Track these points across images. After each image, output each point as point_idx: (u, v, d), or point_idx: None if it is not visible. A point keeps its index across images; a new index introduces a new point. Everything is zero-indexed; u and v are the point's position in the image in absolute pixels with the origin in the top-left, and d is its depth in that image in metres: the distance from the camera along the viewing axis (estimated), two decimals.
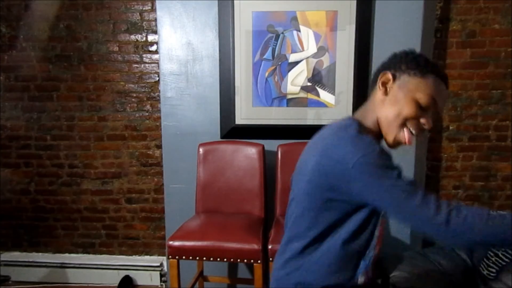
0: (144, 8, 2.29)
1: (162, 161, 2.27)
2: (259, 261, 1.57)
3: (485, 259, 1.75)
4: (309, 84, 2.02)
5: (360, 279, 0.90)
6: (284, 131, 2.05)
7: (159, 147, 2.37)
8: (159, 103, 2.23)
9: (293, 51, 2.00)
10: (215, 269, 2.11)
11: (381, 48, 1.96)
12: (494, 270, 1.72)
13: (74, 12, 2.30)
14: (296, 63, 2.01)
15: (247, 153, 1.95)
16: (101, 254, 2.54)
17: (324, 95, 2.02)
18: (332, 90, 2.01)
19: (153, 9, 2.27)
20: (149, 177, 2.44)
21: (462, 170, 2.30)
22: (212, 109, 2.07)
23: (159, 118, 2.27)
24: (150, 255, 2.53)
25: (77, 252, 2.54)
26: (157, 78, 2.33)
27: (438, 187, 2.33)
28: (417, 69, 0.84)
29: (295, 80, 2.02)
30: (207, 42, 2.03)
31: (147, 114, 2.38)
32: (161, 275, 2.45)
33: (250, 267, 2.14)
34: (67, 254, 2.54)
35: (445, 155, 2.29)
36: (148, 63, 2.34)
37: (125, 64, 2.34)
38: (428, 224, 0.75)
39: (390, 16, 1.93)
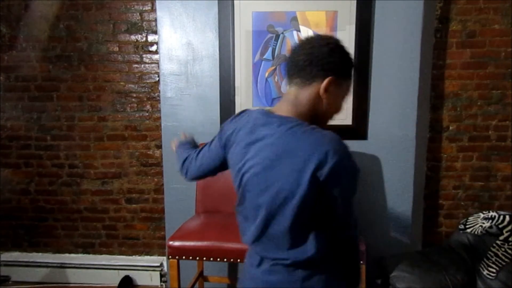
0: (144, 8, 2.29)
1: (162, 161, 2.27)
2: None
3: (485, 259, 1.76)
4: None
5: None
6: None
7: (159, 147, 2.37)
8: (159, 103, 2.23)
9: None
10: (215, 269, 2.11)
11: (381, 48, 1.96)
12: (494, 270, 1.72)
13: (74, 12, 2.30)
14: None
15: None
16: (101, 254, 2.54)
17: None
18: None
19: (153, 9, 2.27)
20: (149, 177, 2.44)
21: (462, 170, 2.30)
22: (212, 109, 2.07)
23: (159, 118, 2.27)
24: (150, 255, 2.53)
25: (77, 252, 2.54)
26: (157, 78, 2.33)
27: (438, 187, 2.33)
28: (350, 72, 0.96)
29: None
30: (207, 42, 2.03)
31: (147, 114, 2.38)
32: (161, 275, 2.45)
33: None
34: (67, 254, 2.54)
35: (445, 155, 2.29)
36: (148, 63, 2.34)
37: (125, 64, 2.34)
38: None
39: (390, 16, 1.93)
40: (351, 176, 0.87)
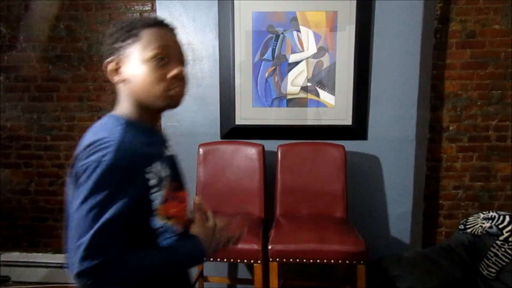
0: (144, 9, 2.29)
1: None
2: (259, 261, 1.57)
3: (485, 259, 1.75)
4: (309, 84, 2.02)
5: None
6: (284, 131, 2.04)
7: None
8: None
9: (293, 52, 2.00)
10: (215, 269, 2.11)
11: (381, 48, 1.96)
12: (494, 270, 1.72)
13: (74, 12, 2.30)
14: (296, 63, 2.01)
15: (247, 153, 1.95)
16: None
17: (324, 95, 2.02)
18: (332, 90, 2.01)
19: (153, 10, 2.27)
20: None
21: (462, 171, 2.29)
22: (212, 110, 2.07)
23: None
24: None
25: None
26: None
27: (438, 187, 2.32)
28: (129, 37, 0.79)
29: (295, 81, 2.02)
30: (207, 42, 2.03)
31: None
32: None
33: (250, 267, 2.14)
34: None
35: (445, 155, 2.29)
36: None
37: None
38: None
39: (390, 16, 1.93)
40: (88, 175, 0.69)
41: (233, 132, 2.06)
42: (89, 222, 0.68)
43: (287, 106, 2.04)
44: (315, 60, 1.99)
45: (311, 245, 1.56)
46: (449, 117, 2.26)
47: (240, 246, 1.57)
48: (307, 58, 1.99)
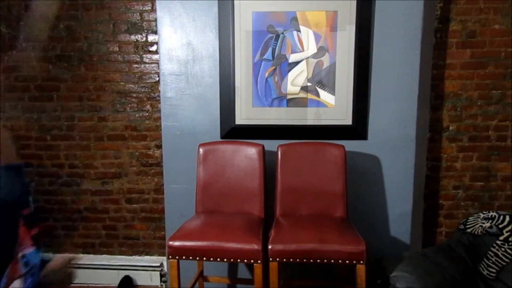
0: (144, 8, 2.29)
1: (162, 161, 2.27)
2: (259, 261, 1.57)
3: (485, 259, 1.76)
4: (309, 84, 2.02)
5: None
6: (284, 131, 2.05)
7: (159, 147, 2.37)
8: (159, 103, 2.23)
9: (293, 51, 2.00)
10: (215, 269, 2.11)
11: (381, 48, 1.96)
12: (494, 270, 1.72)
13: (74, 12, 2.30)
14: (296, 63, 2.01)
15: (247, 153, 1.95)
16: (101, 254, 2.54)
17: (324, 95, 2.02)
18: (332, 90, 2.01)
19: (153, 9, 2.27)
20: (149, 177, 2.44)
21: (462, 170, 2.30)
22: (212, 109, 2.07)
23: (159, 118, 2.27)
24: (150, 255, 2.53)
25: (77, 252, 2.54)
26: (157, 78, 2.33)
27: (438, 187, 2.33)
28: None
29: (295, 80, 2.02)
30: (207, 42, 2.03)
31: (147, 114, 2.38)
32: (161, 275, 2.45)
33: (250, 267, 2.14)
34: (67, 254, 2.54)
35: (445, 155, 2.29)
36: (148, 63, 2.34)
37: (125, 64, 2.34)
38: None
39: (390, 16, 1.93)
40: None
41: (233, 132, 2.06)
42: None
43: (287, 106, 2.04)
44: (315, 60, 1.99)
45: (311, 245, 1.56)
46: (449, 117, 2.26)
47: (240, 246, 1.58)
48: (307, 58, 1.99)
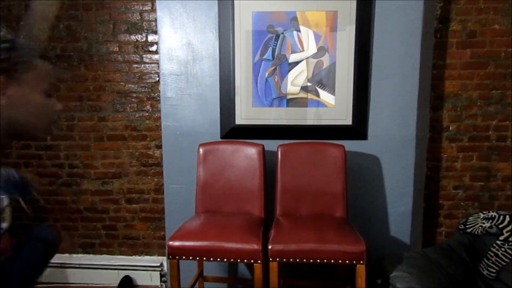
0: (144, 8, 2.29)
1: (162, 161, 2.27)
2: (259, 261, 1.57)
3: (485, 259, 1.76)
4: (309, 84, 2.02)
5: None
6: (284, 131, 2.05)
7: (159, 147, 2.37)
8: (159, 103, 2.23)
9: (293, 51, 2.00)
10: (215, 269, 2.11)
11: (381, 48, 1.96)
12: (494, 270, 1.72)
13: (74, 12, 2.30)
14: (296, 63, 2.01)
15: (247, 153, 1.95)
16: (101, 254, 2.54)
17: (324, 95, 2.02)
18: (332, 90, 2.01)
19: (153, 9, 2.27)
20: (149, 177, 2.44)
21: (462, 170, 2.30)
22: (212, 109, 2.07)
23: (159, 118, 2.27)
24: (150, 255, 2.53)
25: (77, 252, 2.54)
26: (157, 78, 2.33)
27: (438, 187, 2.33)
28: None
29: (295, 80, 2.02)
30: (207, 42, 2.03)
31: (147, 114, 2.38)
32: (161, 275, 2.45)
33: (250, 267, 2.14)
34: (67, 254, 2.54)
35: (445, 155, 2.29)
36: (148, 63, 2.34)
37: (125, 64, 2.34)
38: None
39: (390, 16, 1.93)
40: None
41: (233, 132, 2.06)
42: None
43: (287, 106, 2.04)
44: (315, 60, 1.99)
45: (311, 245, 1.56)
46: (449, 117, 2.26)
47: (240, 246, 1.58)
48: (307, 58, 1.99)
